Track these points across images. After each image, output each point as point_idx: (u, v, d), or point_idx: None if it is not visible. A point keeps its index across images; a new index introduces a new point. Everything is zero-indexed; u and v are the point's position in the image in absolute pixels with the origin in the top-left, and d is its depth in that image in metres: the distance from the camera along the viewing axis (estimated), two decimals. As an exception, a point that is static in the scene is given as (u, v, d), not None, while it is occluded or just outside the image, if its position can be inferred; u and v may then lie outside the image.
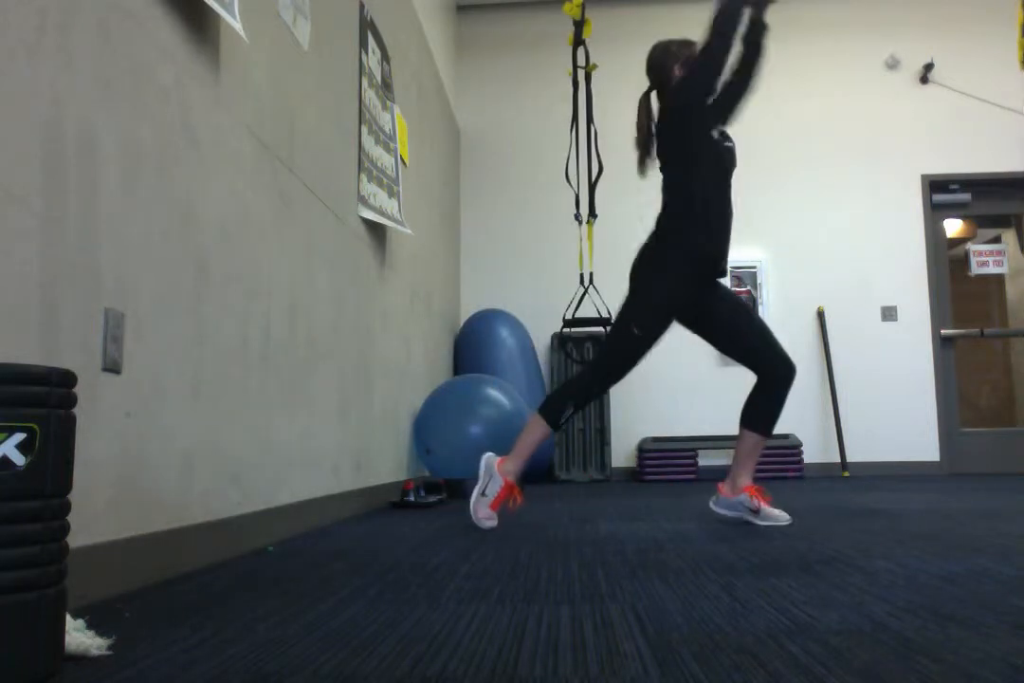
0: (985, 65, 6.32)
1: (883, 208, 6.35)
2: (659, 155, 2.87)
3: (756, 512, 2.76)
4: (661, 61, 2.87)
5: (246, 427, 2.29)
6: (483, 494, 2.72)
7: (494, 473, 2.73)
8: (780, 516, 2.74)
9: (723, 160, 2.79)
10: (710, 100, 2.76)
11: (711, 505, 2.91)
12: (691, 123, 2.77)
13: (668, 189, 2.84)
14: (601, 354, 2.91)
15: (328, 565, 2.00)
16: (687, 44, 2.84)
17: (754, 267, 6.34)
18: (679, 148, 2.80)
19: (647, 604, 1.47)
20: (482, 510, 2.71)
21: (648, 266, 2.76)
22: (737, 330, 2.79)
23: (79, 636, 1.15)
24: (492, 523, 2.71)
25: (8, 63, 1.38)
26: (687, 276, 2.74)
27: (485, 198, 6.49)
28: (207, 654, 1.17)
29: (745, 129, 6.47)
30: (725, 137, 2.85)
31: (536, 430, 2.78)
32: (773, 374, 2.74)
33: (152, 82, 1.83)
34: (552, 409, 2.77)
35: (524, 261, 6.29)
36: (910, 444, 6.07)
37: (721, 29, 2.66)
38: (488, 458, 2.78)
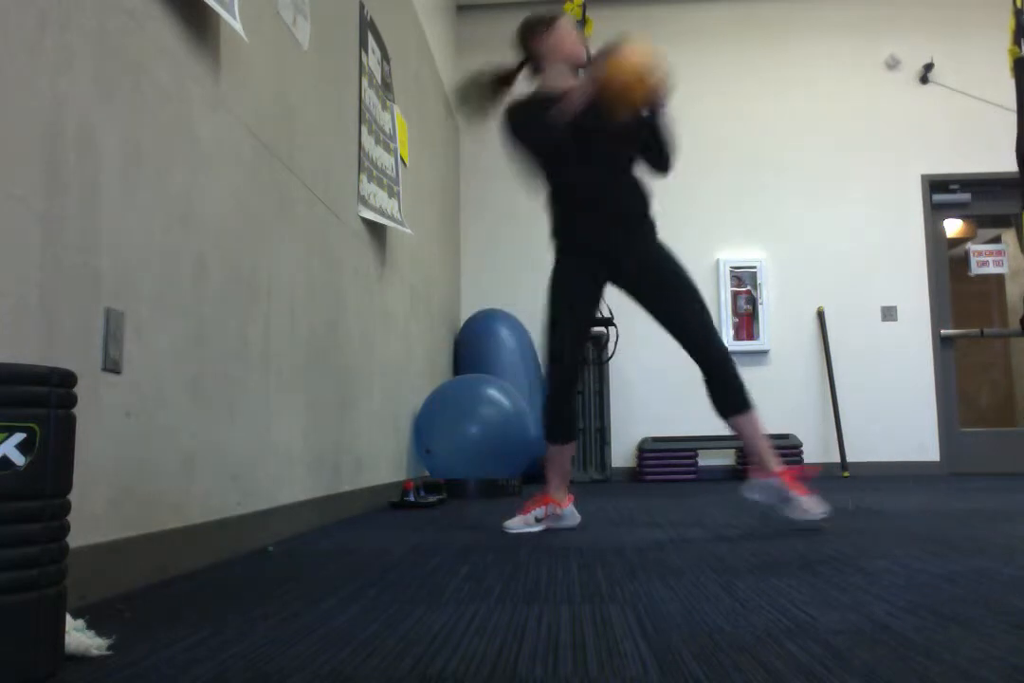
0: (985, 65, 6.31)
1: (883, 208, 6.35)
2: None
3: (789, 501, 2.57)
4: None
5: (246, 427, 2.29)
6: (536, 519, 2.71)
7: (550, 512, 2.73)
8: (814, 513, 2.53)
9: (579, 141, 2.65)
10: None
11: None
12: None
13: None
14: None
15: (328, 565, 2.00)
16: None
17: (754, 267, 6.34)
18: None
19: (647, 604, 1.47)
20: (523, 521, 2.71)
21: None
22: (671, 324, 2.71)
23: (79, 636, 1.15)
24: (531, 528, 2.70)
25: (8, 63, 1.38)
26: (558, 269, 2.79)
27: (485, 198, 6.49)
28: (207, 654, 1.17)
29: (745, 129, 6.52)
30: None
31: (549, 455, 2.78)
32: (709, 362, 2.67)
33: (152, 82, 1.83)
34: (545, 430, 2.77)
35: (524, 261, 6.28)
36: (910, 444, 6.07)
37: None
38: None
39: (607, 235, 2.72)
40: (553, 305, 2.75)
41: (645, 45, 2.51)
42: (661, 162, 2.74)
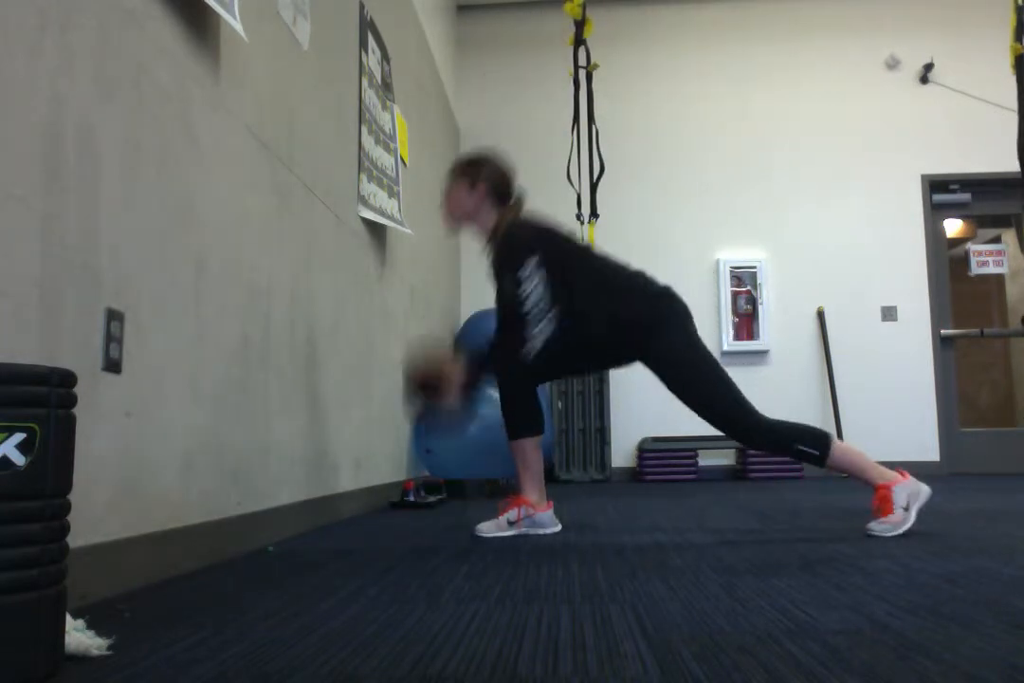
0: (985, 65, 6.31)
1: (883, 208, 6.35)
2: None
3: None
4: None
5: (246, 427, 2.29)
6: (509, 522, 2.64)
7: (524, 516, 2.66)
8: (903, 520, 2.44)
9: None
10: None
11: (874, 531, 2.45)
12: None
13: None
14: None
15: (328, 565, 2.00)
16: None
17: (754, 267, 6.34)
18: None
19: (647, 604, 1.47)
20: (496, 525, 2.65)
21: None
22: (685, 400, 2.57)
23: (79, 636, 1.15)
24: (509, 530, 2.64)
25: (8, 63, 1.38)
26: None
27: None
28: (207, 654, 1.17)
29: (745, 129, 6.52)
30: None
31: (513, 454, 2.70)
32: (732, 435, 2.54)
33: (152, 82, 1.83)
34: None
35: (524, 261, 6.28)
36: (910, 444, 6.07)
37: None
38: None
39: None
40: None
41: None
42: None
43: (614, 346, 2.67)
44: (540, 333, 2.49)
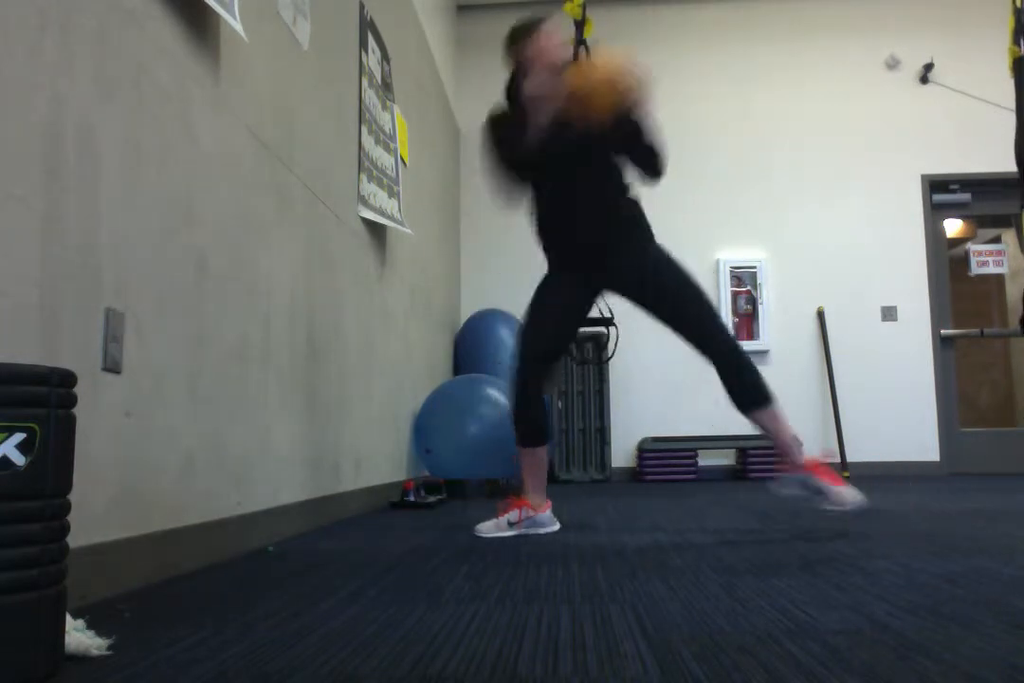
0: (985, 65, 6.31)
1: (883, 208, 6.35)
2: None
3: (821, 493, 2.53)
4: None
5: (246, 427, 2.29)
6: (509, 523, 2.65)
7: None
8: (845, 500, 2.50)
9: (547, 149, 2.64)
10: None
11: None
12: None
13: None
14: None
15: (328, 565, 2.00)
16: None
17: (754, 267, 6.34)
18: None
19: (647, 604, 1.47)
20: (496, 525, 2.65)
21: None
22: (674, 321, 2.66)
23: (79, 636, 1.15)
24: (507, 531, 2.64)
25: (8, 63, 1.38)
26: (545, 274, 2.80)
27: (485, 198, 6.47)
28: (207, 654, 1.17)
29: (745, 129, 6.52)
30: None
31: (523, 460, 2.72)
32: (719, 356, 2.62)
33: (152, 82, 1.83)
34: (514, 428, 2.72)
35: (524, 261, 6.24)
36: (910, 444, 6.07)
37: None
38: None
39: (591, 245, 2.70)
40: (530, 310, 2.74)
41: (617, 51, 2.50)
42: (649, 168, 2.70)
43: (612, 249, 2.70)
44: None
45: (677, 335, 2.68)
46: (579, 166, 2.69)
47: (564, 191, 2.71)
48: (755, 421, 2.63)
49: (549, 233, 2.78)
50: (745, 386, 2.60)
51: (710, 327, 2.64)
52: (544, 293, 2.76)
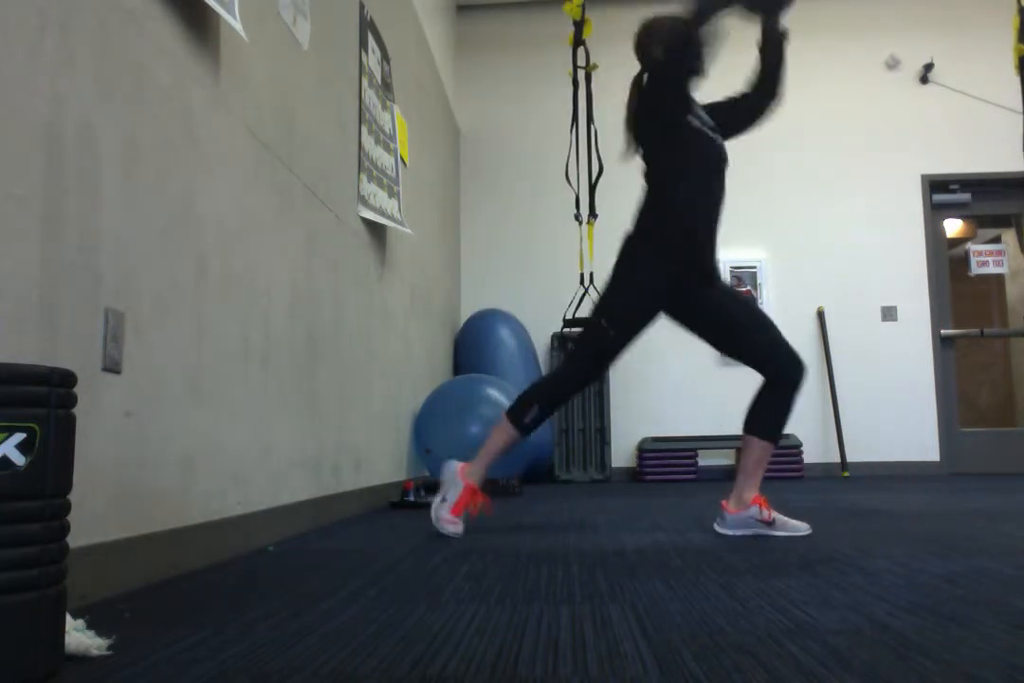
0: (985, 65, 6.31)
1: (883, 208, 6.35)
2: (639, 141, 2.68)
3: (771, 524, 2.50)
4: (643, 41, 2.77)
5: (246, 427, 2.29)
6: (443, 500, 2.61)
7: (455, 479, 2.61)
8: (799, 526, 2.49)
9: (707, 154, 2.62)
10: (690, 87, 2.66)
11: (716, 528, 2.58)
12: (663, 111, 2.63)
13: (647, 179, 2.66)
14: (572, 353, 2.72)
15: (328, 565, 2.00)
16: (668, 23, 2.68)
17: (754, 267, 6.34)
18: (655, 136, 2.64)
19: (647, 604, 1.47)
20: (444, 515, 2.60)
21: (626, 261, 2.58)
22: (739, 328, 2.57)
23: (79, 636, 1.15)
24: (455, 529, 2.57)
25: (8, 63, 1.38)
26: (661, 277, 2.55)
27: (485, 198, 6.49)
28: (207, 654, 1.17)
29: (745, 129, 6.49)
30: (711, 128, 2.68)
31: (500, 434, 2.62)
32: (782, 375, 2.50)
33: (152, 82, 1.83)
34: (518, 411, 2.60)
35: (524, 261, 6.29)
36: (910, 444, 6.07)
37: (675, 45, 2.58)
38: (450, 464, 2.65)
39: (709, 259, 2.59)
40: (635, 318, 2.58)
41: None
42: (771, 88, 2.75)
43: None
44: None
45: (744, 349, 2.60)
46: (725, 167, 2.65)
47: (709, 186, 2.61)
48: (751, 448, 2.57)
49: (694, 236, 2.58)
50: (781, 419, 2.56)
51: (783, 340, 2.58)
52: (649, 297, 2.58)
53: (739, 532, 2.53)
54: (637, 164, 2.72)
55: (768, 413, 2.54)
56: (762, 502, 2.53)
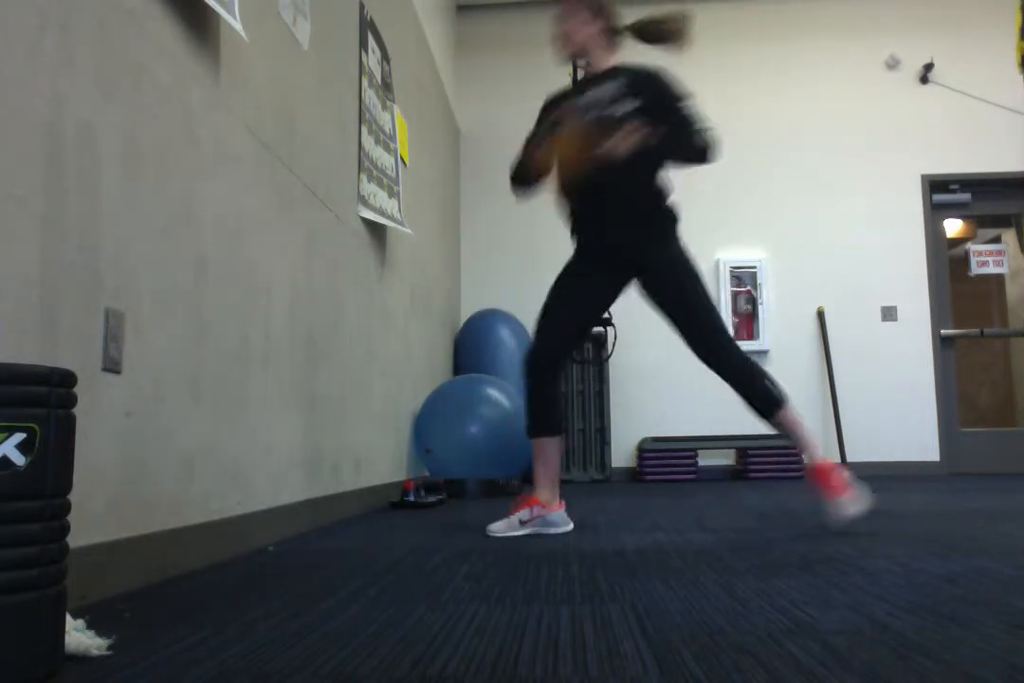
0: (985, 65, 6.31)
1: (883, 208, 6.35)
2: None
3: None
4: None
5: (246, 427, 2.29)
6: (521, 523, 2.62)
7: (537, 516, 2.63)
8: (851, 505, 2.49)
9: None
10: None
11: (830, 516, 2.51)
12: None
13: None
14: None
15: (328, 565, 2.00)
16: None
17: (754, 267, 6.34)
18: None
19: (647, 604, 1.47)
20: (507, 524, 2.61)
21: None
22: (681, 331, 2.65)
23: (79, 636, 1.15)
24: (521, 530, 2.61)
25: (8, 63, 1.38)
26: (570, 260, 2.77)
27: (485, 198, 6.49)
28: (207, 654, 1.17)
29: (745, 129, 6.51)
30: (597, 106, 2.67)
31: (533, 452, 2.69)
32: (725, 372, 2.60)
33: (152, 82, 1.83)
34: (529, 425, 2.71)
35: (524, 261, 6.29)
36: (910, 444, 6.07)
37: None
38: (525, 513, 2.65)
39: (616, 234, 2.68)
40: (550, 298, 2.72)
41: (576, 127, 2.57)
42: (693, 156, 2.72)
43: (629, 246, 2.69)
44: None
45: (687, 345, 2.66)
46: (603, 182, 2.66)
47: (594, 200, 2.70)
48: (776, 425, 2.61)
49: (575, 222, 2.76)
50: (759, 392, 2.58)
51: (719, 347, 2.62)
52: (560, 285, 2.73)
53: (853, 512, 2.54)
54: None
55: (755, 394, 2.59)
56: (824, 474, 2.55)
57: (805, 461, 2.61)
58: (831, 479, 2.53)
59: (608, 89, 2.66)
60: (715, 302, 2.69)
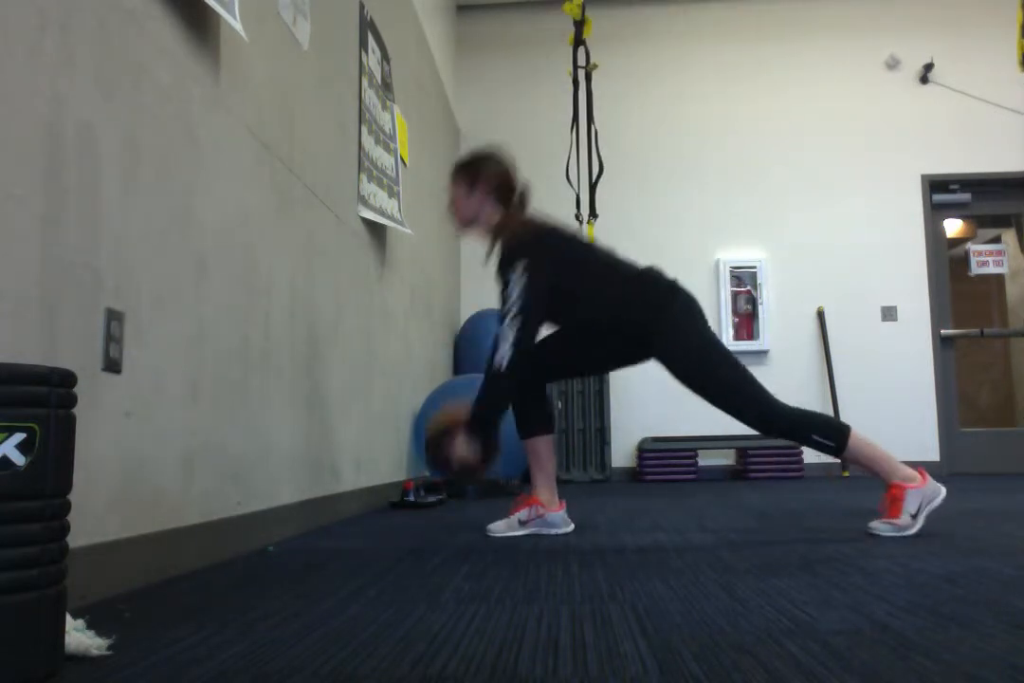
0: (985, 65, 6.32)
1: (883, 208, 6.35)
2: None
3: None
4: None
5: (246, 427, 2.29)
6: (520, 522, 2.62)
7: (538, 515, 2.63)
8: (904, 524, 2.41)
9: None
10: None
11: (874, 526, 2.43)
12: None
13: None
14: None
15: (328, 565, 2.00)
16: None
17: (754, 267, 6.34)
18: None
19: (647, 604, 1.47)
20: (507, 524, 2.62)
21: None
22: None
23: (79, 636, 1.15)
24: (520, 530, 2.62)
25: (8, 63, 1.38)
26: None
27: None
28: (207, 654, 1.17)
29: (745, 129, 6.52)
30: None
31: (527, 453, 2.71)
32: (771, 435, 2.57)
33: (152, 82, 1.83)
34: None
35: (524, 261, 6.28)
36: (910, 444, 6.06)
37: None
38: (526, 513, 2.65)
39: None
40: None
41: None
42: (483, 391, 2.76)
43: (622, 343, 2.69)
44: (517, 343, 2.53)
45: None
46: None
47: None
48: (848, 460, 2.50)
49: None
50: (814, 447, 2.46)
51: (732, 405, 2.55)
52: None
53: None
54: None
55: (813, 446, 2.50)
56: (899, 491, 2.44)
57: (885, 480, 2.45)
58: (898, 504, 2.41)
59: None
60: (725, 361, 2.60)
